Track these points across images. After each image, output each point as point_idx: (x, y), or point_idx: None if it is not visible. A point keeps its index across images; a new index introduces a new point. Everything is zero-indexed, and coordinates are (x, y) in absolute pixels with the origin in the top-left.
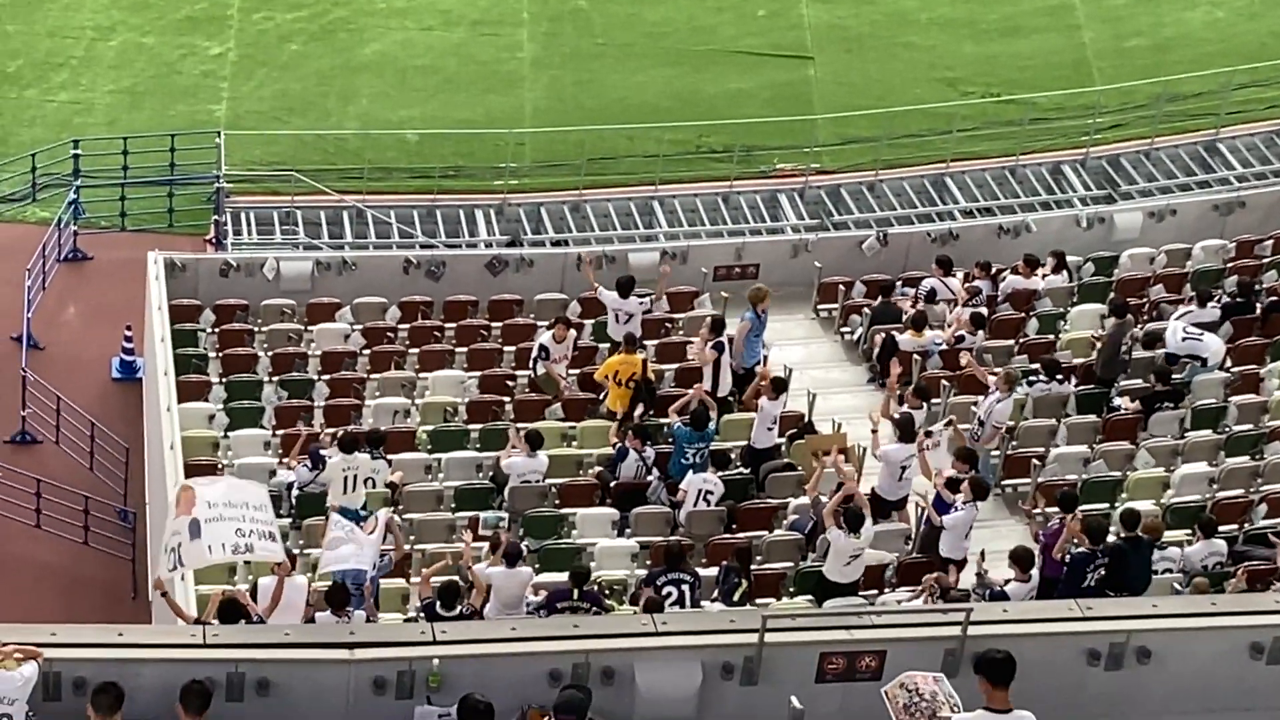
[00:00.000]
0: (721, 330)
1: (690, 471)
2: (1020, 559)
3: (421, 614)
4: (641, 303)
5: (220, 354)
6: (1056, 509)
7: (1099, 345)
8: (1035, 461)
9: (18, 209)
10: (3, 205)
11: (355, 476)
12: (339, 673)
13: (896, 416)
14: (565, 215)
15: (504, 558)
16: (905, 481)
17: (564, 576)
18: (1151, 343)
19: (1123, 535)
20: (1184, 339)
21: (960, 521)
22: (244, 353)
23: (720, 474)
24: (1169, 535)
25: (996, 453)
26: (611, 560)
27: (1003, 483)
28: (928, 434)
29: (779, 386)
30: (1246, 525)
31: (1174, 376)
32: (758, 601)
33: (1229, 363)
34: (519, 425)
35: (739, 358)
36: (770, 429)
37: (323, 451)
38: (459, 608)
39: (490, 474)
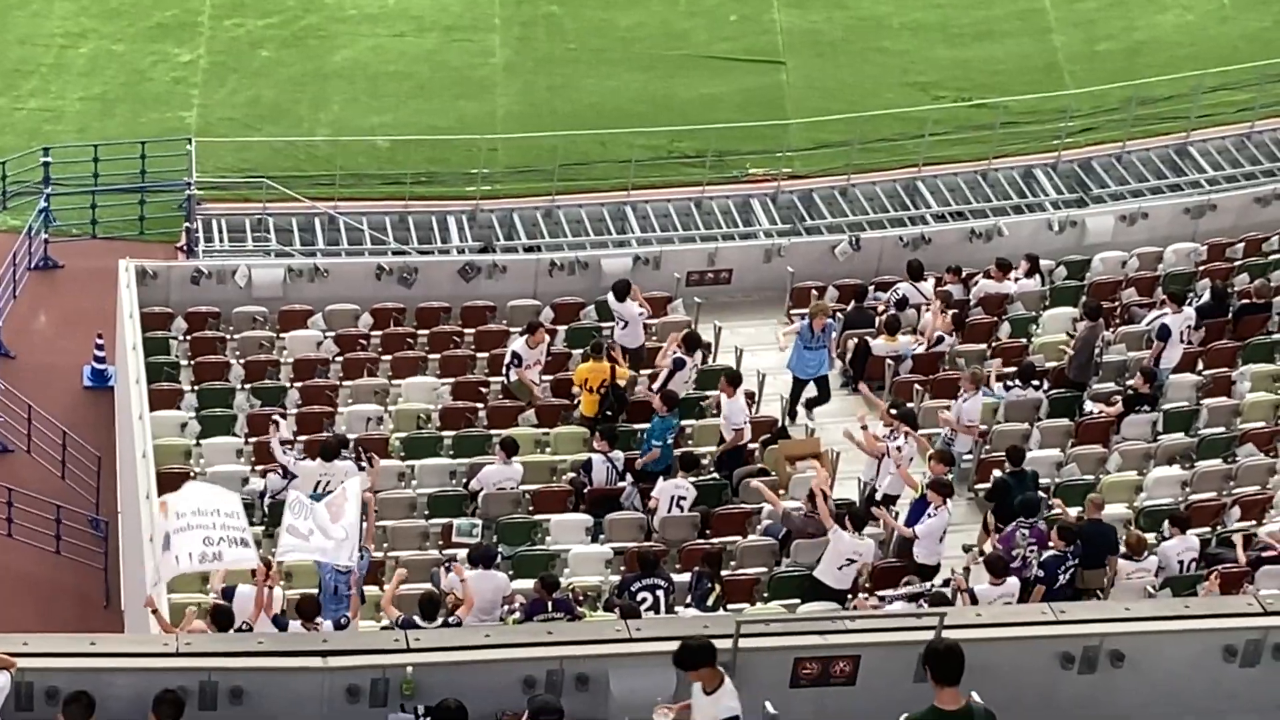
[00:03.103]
0: (694, 349)
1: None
2: (993, 565)
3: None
4: (641, 311)
5: (192, 362)
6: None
7: (1072, 349)
8: (1008, 465)
9: None
10: None
11: (329, 484)
12: (313, 681)
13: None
14: (538, 221)
15: (478, 561)
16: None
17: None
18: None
19: (1008, 470)
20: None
21: (934, 527)
22: (216, 360)
23: (691, 479)
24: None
25: (969, 456)
26: (585, 566)
27: (975, 485)
28: (898, 449)
29: (734, 380)
30: (1219, 528)
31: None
32: (732, 607)
33: (1201, 365)
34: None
35: (791, 365)
36: (739, 428)
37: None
38: (440, 619)
39: (464, 481)
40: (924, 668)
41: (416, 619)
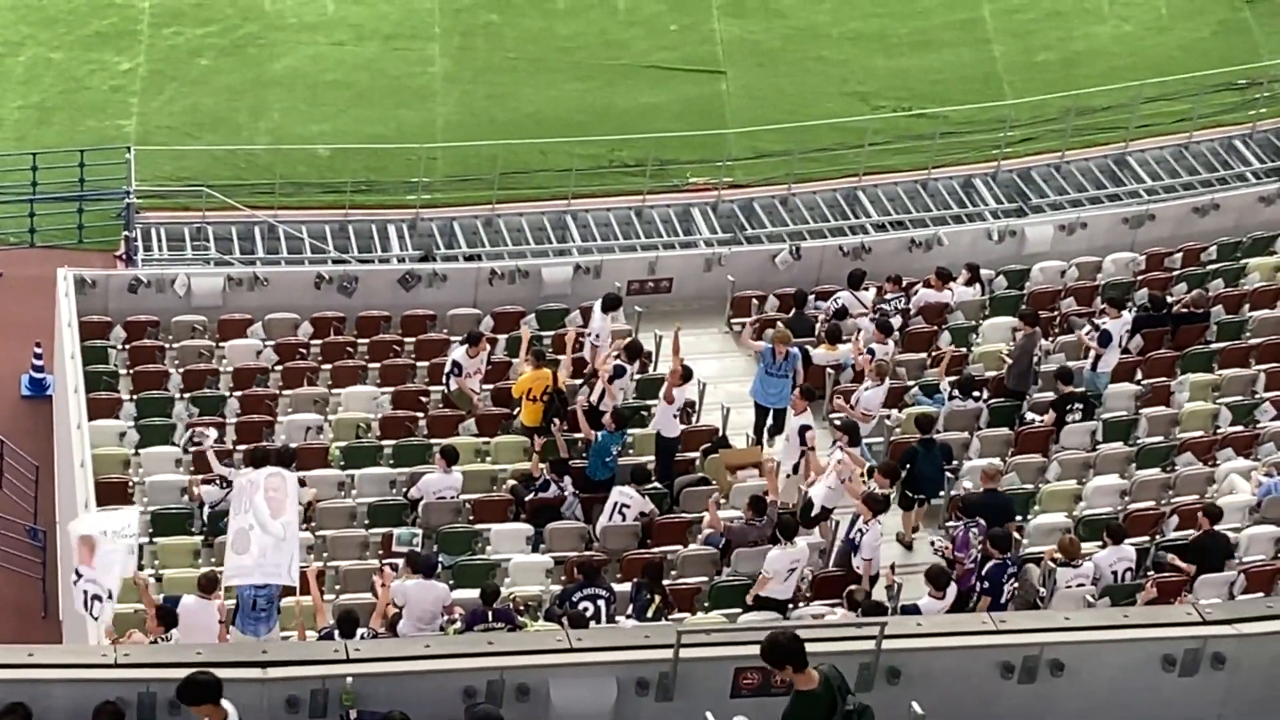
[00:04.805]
0: (634, 357)
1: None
2: (935, 578)
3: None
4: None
5: (131, 371)
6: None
7: (1010, 358)
8: (949, 475)
9: None
10: None
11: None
12: (252, 692)
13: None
14: (478, 230)
15: (419, 570)
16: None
17: (478, 593)
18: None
19: (918, 440)
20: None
21: (868, 543)
22: (155, 369)
23: (639, 488)
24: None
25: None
26: (525, 575)
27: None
28: (839, 462)
29: (687, 374)
30: (1158, 537)
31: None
32: (673, 617)
33: (1140, 375)
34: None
35: (753, 392)
36: (675, 416)
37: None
38: (360, 633)
39: (404, 490)
40: (773, 663)
41: (336, 635)
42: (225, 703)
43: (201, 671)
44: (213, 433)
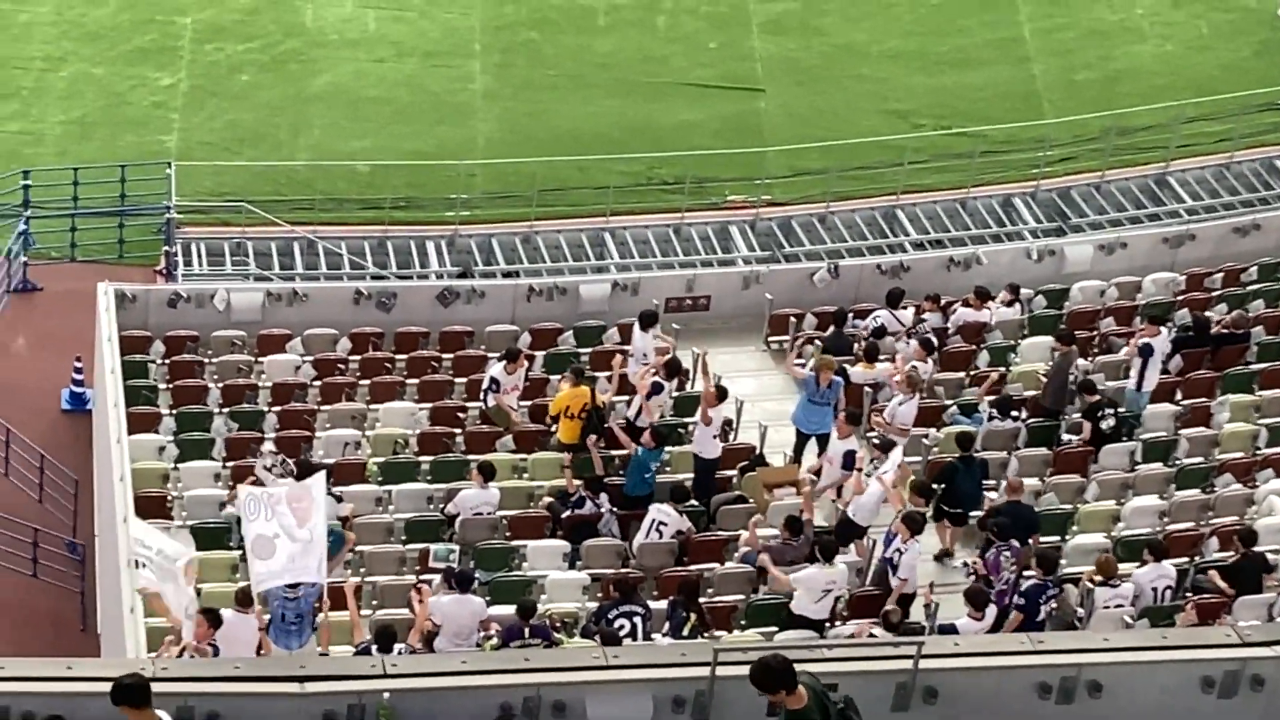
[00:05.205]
0: (673, 374)
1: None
2: (974, 598)
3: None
4: (658, 346)
5: (170, 385)
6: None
7: (1046, 377)
8: (990, 495)
9: None
10: None
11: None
12: (289, 706)
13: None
14: (516, 246)
15: (455, 584)
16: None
17: (514, 609)
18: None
19: (957, 456)
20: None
21: (906, 562)
22: (194, 384)
23: (678, 507)
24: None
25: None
26: (562, 592)
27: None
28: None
29: (722, 394)
30: (1197, 558)
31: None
32: (709, 635)
33: (1179, 396)
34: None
35: (795, 419)
36: (715, 436)
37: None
38: (397, 649)
39: (441, 506)
40: (766, 688)
41: (373, 649)
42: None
43: (131, 675)
44: (270, 449)
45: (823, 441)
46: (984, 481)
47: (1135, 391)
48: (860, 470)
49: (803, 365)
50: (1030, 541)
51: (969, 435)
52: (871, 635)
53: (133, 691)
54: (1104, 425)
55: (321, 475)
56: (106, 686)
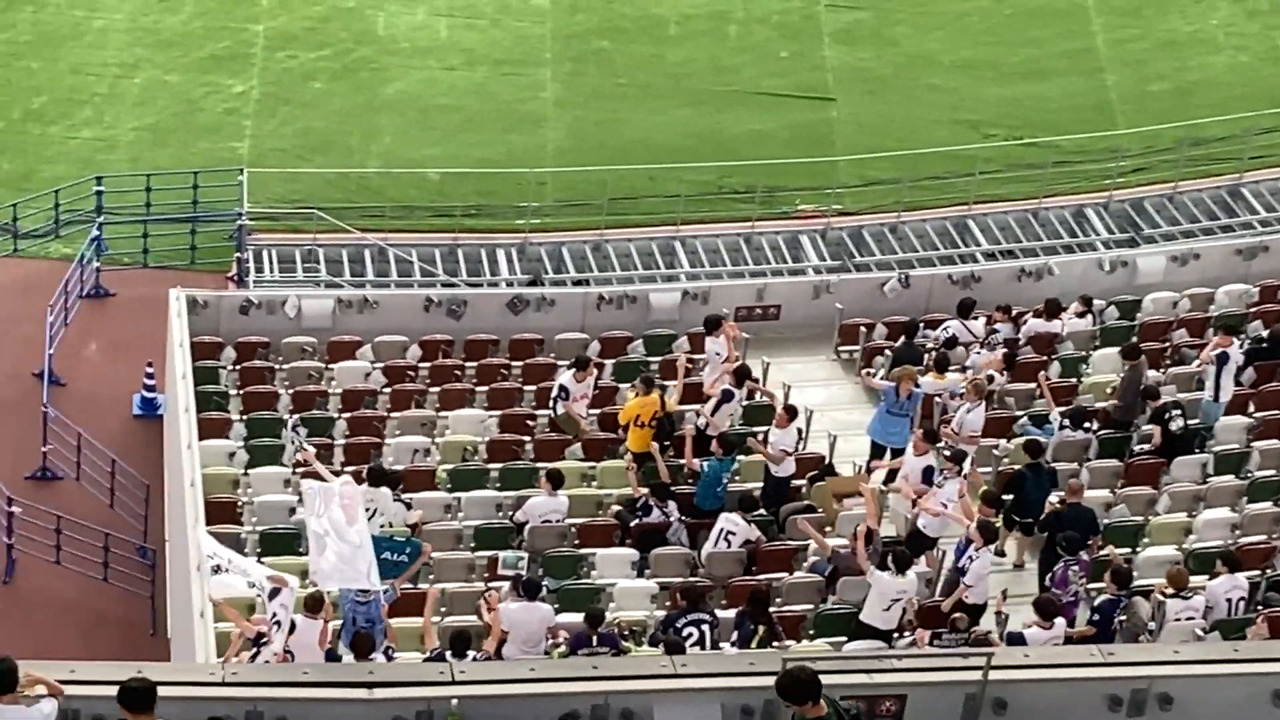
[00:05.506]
0: (743, 380)
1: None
2: (1042, 607)
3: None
4: (718, 352)
5: (241, 391)
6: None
7: (1118, 393)
8: (1054, 504)
9: (41, 245)
10: (26, 241)
11: (375, 510)
12: (358, 712)
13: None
14: (586, 255)
15: (524, 592)
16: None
17: (582, 616)
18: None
19: (1026, 465)
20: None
21: (977, 570)
22: (265, 390)
23: (746, 516)
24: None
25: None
26: (631, 601)
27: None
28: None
29: (791, 413)
30: (1269, 571)
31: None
32: (777, 645)
33: (1252, 408)
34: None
35: (872, 431)
36: (788, 450)
37: None
38: (471, 655)
39: (510, 513)
40: (795, 700)
41: (448, 654)
42: None
43: (137, 678)
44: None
45: (898, 454)
46: (1053, 490)
47: (1212, 402)
48: (939, 487)
49: (874, 374)
50: (1090, 543)
51: (1038, 444)
52: (935, 641)
53: (134, 695)
54: (1173, 427)
55: (358, 491)
56: (176, 691)
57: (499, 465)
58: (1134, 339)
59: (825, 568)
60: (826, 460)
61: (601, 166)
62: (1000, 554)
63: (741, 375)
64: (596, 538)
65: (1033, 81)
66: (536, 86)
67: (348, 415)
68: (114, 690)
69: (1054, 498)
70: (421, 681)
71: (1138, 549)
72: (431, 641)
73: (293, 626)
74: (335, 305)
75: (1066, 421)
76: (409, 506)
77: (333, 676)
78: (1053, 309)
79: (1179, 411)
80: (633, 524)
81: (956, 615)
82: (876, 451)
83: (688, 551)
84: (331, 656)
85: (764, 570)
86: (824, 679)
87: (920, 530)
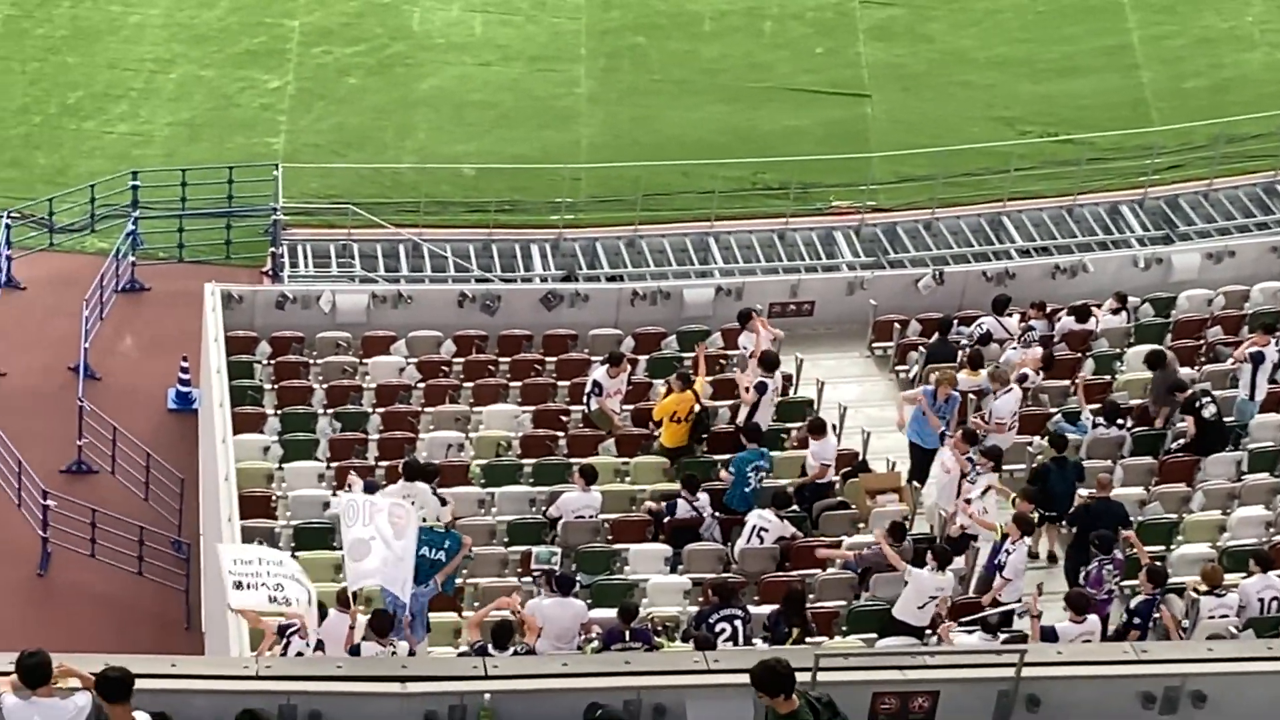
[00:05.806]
0: (771, 369)
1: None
2: (1074, 601)
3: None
4: (746, 347)
5: (275, 386)
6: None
7: (1149, 392)
8: (1084, 498)
9: (77, 239)
10: (62, 236)
11: (414, 505)
12: (391, 706)
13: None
14: (620, 251)
15: (557, 587)
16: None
17: (616, 612)
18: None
19: (1051, 458)
20: None
21: (1014, 563)
22: (299, 385)
23: (779, 512)
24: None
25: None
26: (663, 596)
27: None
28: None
29: (817, 429)
30: None
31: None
32: (810, 641)
33: None
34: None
35: (911, 433)
36: (828, 465)
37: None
38: (512, 648)
39: (544, 508)
40: (769, 690)
41: (489, 646)
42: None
43: (114, 668)
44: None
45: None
46: (1078, 484)
47: (1247, 400)
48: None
49: (907, 371)
50: (1123, 537)
51: (1062, 437)
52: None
53: (111, 685)
54: (1206, 414)
55: (416, 512)
56: (210, 685)
57: (532, 460)
58: (1167, 338)
59: (858, 564)
60: (860, 457)
61: (636, 162)
62: (1033, 555)
63: (769, 364)
64: (630, 533)
65: (1068, 78)
66: (571, 82)
67: (382, 410)
68: (149, 684)
69: (1083, 492)
70: (454, 676)
71: (1172, 546)
72: (474, 635)
73: (324, 614)
74: (370, 300)
75: (1100, 419)
76: (444, 502)
77: (366, 670)
78: (1082, 314)
79: (1209, 399)
80: (666, 520)
81: (989, 611)
82: (915, 453)
83: (720, 547)
84: (354, 652)
85: (797, 566)
86: (857, 675)
87: (964, 530)
